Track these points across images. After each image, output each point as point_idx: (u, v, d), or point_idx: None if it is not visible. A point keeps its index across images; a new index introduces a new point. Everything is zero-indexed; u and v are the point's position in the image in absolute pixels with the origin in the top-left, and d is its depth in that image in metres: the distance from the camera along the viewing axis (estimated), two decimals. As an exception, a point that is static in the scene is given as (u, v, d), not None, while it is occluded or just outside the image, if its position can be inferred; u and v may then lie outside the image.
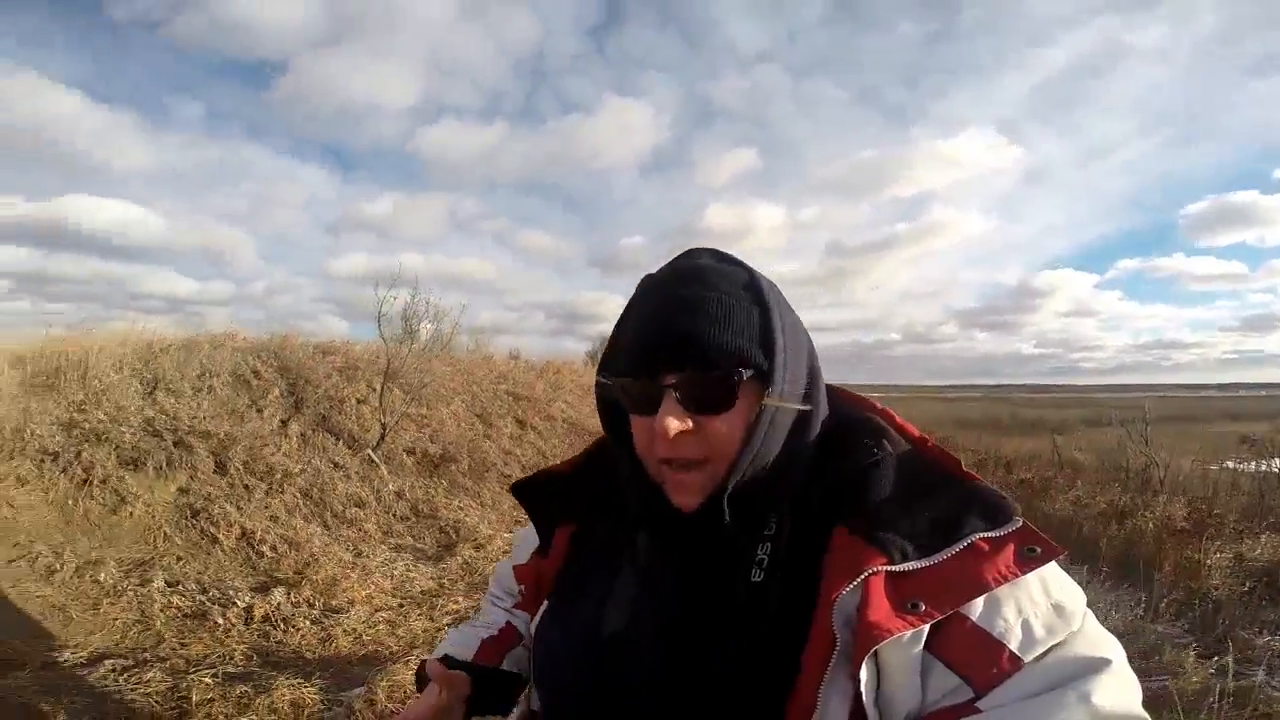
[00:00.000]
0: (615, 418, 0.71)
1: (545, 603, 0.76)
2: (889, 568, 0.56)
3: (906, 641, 0.53)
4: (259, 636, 3.47)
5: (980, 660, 0.52)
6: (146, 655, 3.12)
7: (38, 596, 3.43)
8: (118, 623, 3.42)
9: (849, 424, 0.70)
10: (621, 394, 0.66)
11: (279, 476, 4.94)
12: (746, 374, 0.61)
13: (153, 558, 3.99)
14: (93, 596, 3.54)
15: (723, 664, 0.59)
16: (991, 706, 0.51)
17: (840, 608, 0.55)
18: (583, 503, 0.79)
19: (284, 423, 5.65)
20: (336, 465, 5.46)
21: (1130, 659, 0.56)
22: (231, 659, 3.14)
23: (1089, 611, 0.57)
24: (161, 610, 3.50)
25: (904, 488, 0.62)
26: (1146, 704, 0.53)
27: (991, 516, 0.58)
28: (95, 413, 4.70)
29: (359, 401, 6.32)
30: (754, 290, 0.64)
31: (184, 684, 2.76)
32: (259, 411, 5.57)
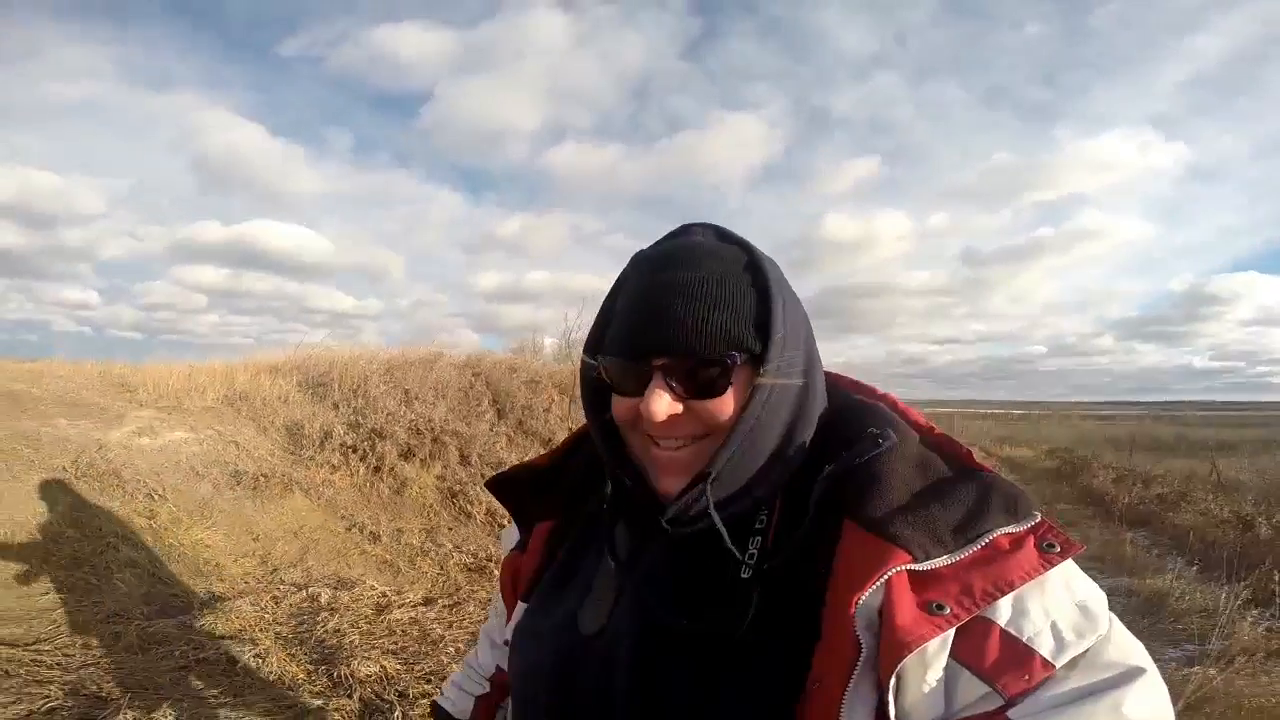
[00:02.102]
0: (597, 402, 0.67)
1: (520, 605, 0.74)
2: (912, 566, 0.52)
3: (932, 648, 0.50)
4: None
5: (1010, 667, 0.49)
6: (458, 597, 4.23)
7: (373, 555, 4.67)
8: (426, 574, 4.60)
9: (852, 411, 0.66)
10: (607, 374, 0.63)
11: (501, 466, 6.11)
12: (740, 358, 0.58)
13: (434, 526, 5.20)
14: (408, 554, 4.75)
15: (711, 666, 0.56)
16: (1023, 716, 0.48)
17: (862, 610, 0.51)
18: (562, 497, 0.76)
19: (492, 426, 6.87)
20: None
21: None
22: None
23: (1112, 614, 0.53)
24: (455, 565, 4.65)
25: (918, 479, 0.58)
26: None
27: (1011, 510, 0.55)
28: (374, 416, 6.05)
29: (545, 410, 7.49)
30: (752, 270, 0.61)
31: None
32: (478, 417, 6.82)
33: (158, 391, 6.23)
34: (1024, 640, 0.49)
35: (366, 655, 3.12)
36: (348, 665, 2.96)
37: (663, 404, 0.58)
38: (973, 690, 0.49)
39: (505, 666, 0.80)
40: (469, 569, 4.69)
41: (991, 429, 25.75)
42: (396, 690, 2.91)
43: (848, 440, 0.61)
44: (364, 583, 4.03)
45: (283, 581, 3.95)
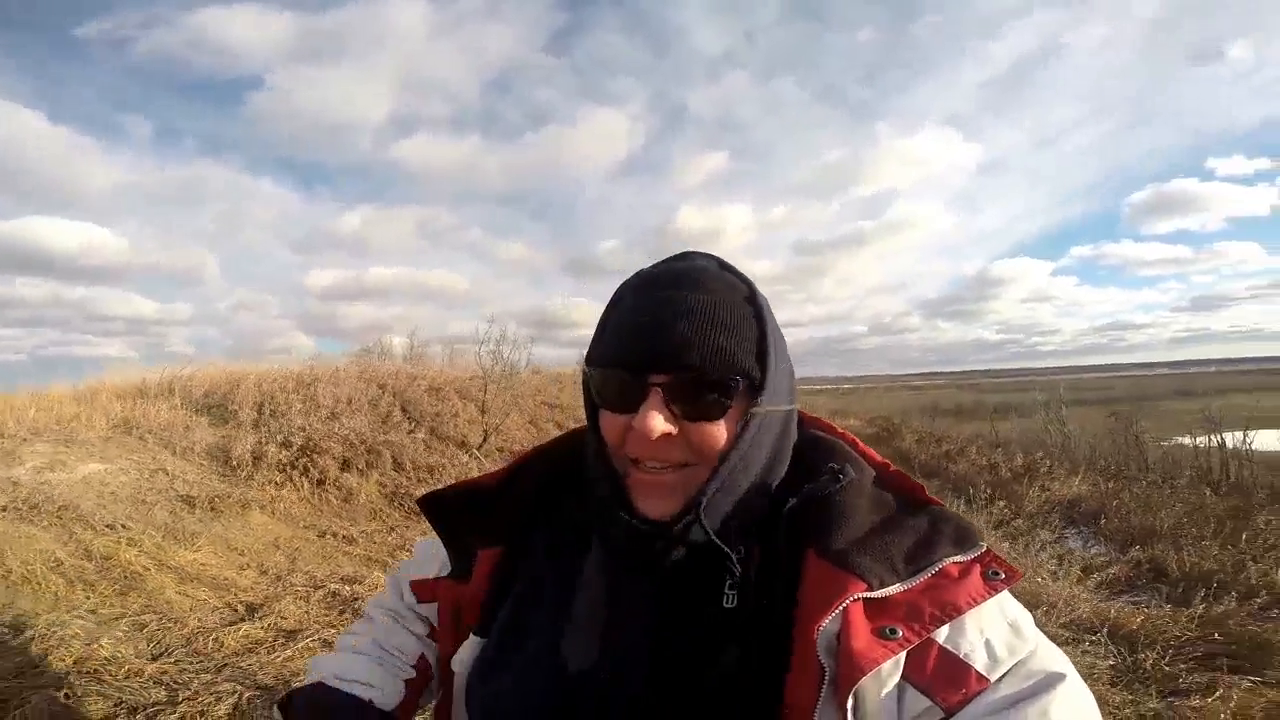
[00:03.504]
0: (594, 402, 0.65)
1: (472, 637, 0.70)
2: (867, 594, 0.55)
3: (886, 669, 0.53)
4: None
5: (949, 681, 0.53)
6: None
7: (355, 555, 5.17)
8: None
9: (814, 446, 0.69)
10: (600, 384, 0.62)
11: (433, 470, 6.73)
12: (741, 384, 0.59)
13: (393, 526, 5.76)
14: (387, 550, 5.31)
15: (713, 696, 0.57)
16: None
17: (823, 636, 0.54)
18: (510, 523, 0.72)
19: (410, 434, 7.37)
20: (460, 462, 7.28)
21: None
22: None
23: (1039, 631, 0.57)
24: (431, 553, 5.34)
25: (874, 512, 0.62)
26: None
27: (960, 541, 0.59)
28: (299, 433, 6.29)
29: (453, 415, 8.10)
30: (753, 303, 0.63)
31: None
32: (395, 426, 7.27)
33: (25, 425, 5.84)
34: (960, 656, 0.53)
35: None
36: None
37: (658, 423, 0.57)
38: (917, 704, 0.53)
39: (429, 659, 0.80)
40: (439, 558, 5.41)
41: (827, 403, 27.97)
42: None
43: (809, 474, 0.64)
44: (370, 577, 4.62)
45: (295, 585, 4.39)
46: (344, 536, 5.32)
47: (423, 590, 0.82)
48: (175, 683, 2.88)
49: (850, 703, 0.52)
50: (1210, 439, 8.04)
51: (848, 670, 0.52)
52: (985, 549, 0.59)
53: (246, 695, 2.78)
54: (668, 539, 0.60)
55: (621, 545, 0.63)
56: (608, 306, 0.66)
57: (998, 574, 0.57)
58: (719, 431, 0.59)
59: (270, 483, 5.73)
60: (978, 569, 0.57)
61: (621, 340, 0.61)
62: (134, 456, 5.72)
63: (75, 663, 2.81)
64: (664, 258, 0.68)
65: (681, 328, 0.58)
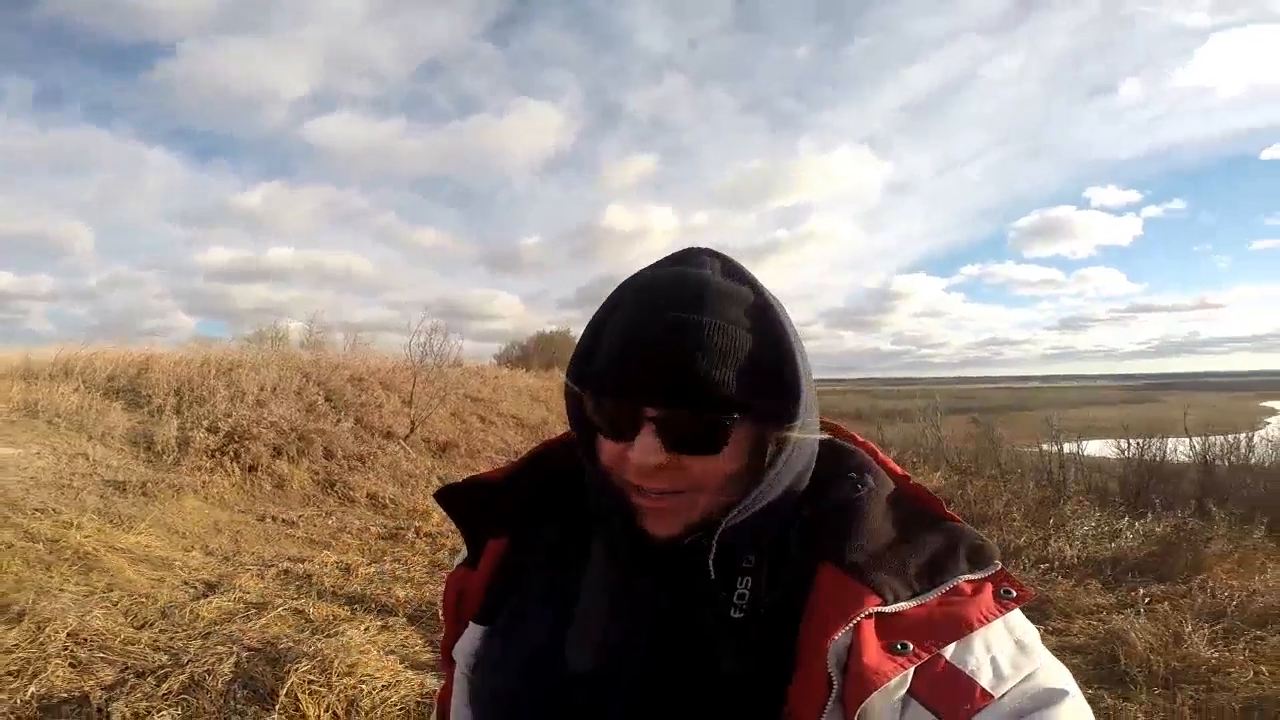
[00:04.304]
0: (587, 422, 0.63)
1: (472, 625, 0.70)
2: (880, 609, 0.54)
3: (893, 684, 0.52)
4: (432, 549, 5.75)
5: (954, 696, 0.52)
6: (394, 556, 5.30)
7: (297, 538, 5.34)
8: (352, 546, 5.47)
9: (833, 455, 0.67)
10: (594, 412, 0.61)
11: (364, 459, 6.92)
12: (737, 418, 0.56)
13: (329, 512, 5.94)
14: (327, 533, 5.52)
15: (710, 701, 0.56)
16: None
17: (834, 650, 0.53)
18: (517, 514, 0.72)
19: (337, 423, 7.46)
20: (389, 452, 7.47)
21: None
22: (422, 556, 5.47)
23: (1044, 648, 0.57)
24: (374, 536, 5.61)
25: (891, 525, 0.61)
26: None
27: (975, 559, 0.58)
28: (226, 422, 6.29)
29: (378, 406, 8.21)
30: (764, 315, 0.59)
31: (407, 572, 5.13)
32: (321, 415, 7.34)
33: None
34: (966, 672, 0.52)
35: (384, 591, 4.25)
36: (390, 595, 4.10)
37: (652, 455, 0.56)
38: (920, 718, 0.52)
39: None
40: (383, 537, 5.67)
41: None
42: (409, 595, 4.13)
43: (827, 483, 0.63)
44: (318, 556, 4.87)
45: (245, 564, 4.58)
46: (284, 520, 5.47)
47: (447, 586, 0.79)
48: (171, 648, 3.13)
49: (857, 717, 0.51)
50: (1052, 445, 9.70)
51: (857, 686, 0.52)
52: (999, 568, 0.58)
53: (244, 655, 3.09)
54: (669, 554, 0.60)
55: (624, 552, 0.63)
56: (603, 307, 0.63)
57: (1010, 593, 0.56)
58: (718, 464, 0.57)
59: (199, 468, 5.74)
60: (990, 587, 0.57)
61: (613, 364, 0.58)
62: (47, 441, 5.52)
63: (69, 635, 2.99)
64: (665, 255, 0.64)
65: (677, 357, 0.55)
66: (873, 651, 0.53)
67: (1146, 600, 4.34)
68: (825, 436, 0.66)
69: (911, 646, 0.53)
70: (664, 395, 0.55)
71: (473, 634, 0.69)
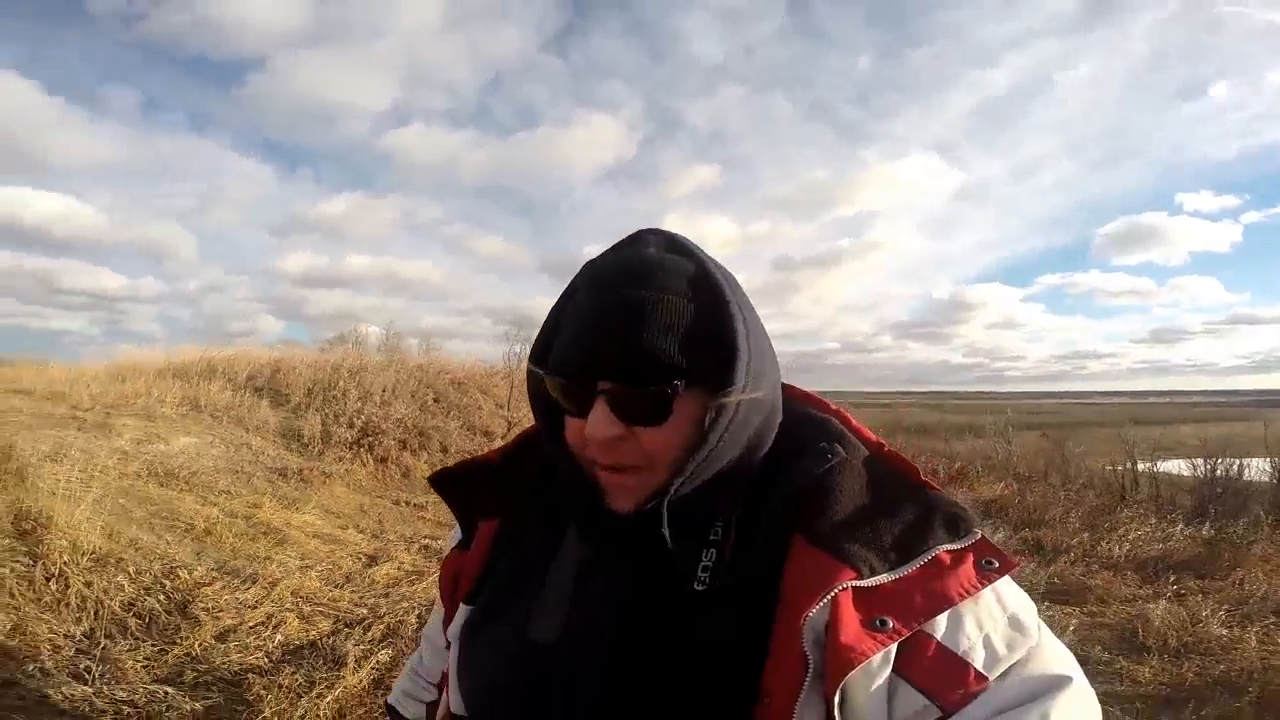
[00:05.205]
0: (548, 406, 0.64)
1: (462, 606, 0.71)
2: (857, 583, 0.53)
3: (876, 662, 0.51)
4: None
5: (947, 680, 0.51)
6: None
7: (429, 519, 5.96)
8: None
9: (803, 424, 0.67)
10: (554, 392, 0.62)
11: (472, 454, 7.56)
12: (681, 386, 0.56)
13: (450, 501, 6.57)
14: (449, 517, 6.11)
15: (674, 679, 0.55)
16: None
17: (810, 626, 0.52)
18: (511, 495, 0.73)
19: (445, 421, 8.14)
20: (489, 448, 8.09)
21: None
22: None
23: (1042, 623, 0.55)
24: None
25: (865, 495, 0.59)
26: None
27: (953, 528, 0.56)
28: (360, 418, 7.01)
29: (478, 408, 8.89)
30: (705, 285, 0.59)
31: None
32: (434, 414, 8.03)
33: (98, 401, 6.38)
34: (959, 653, 0.51)
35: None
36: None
37: (604, 429, 0.56)
38: (912, 702, 0.51)
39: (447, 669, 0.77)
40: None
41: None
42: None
43: (797, 453, 0.62)
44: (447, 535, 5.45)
45: (393, 540, 5.19)
46: (414, 504, 6.12)
47: (443, 568, 0.80)
48: (366, 604, 3.71)
49: (838, 697, 0.50)
50: (1125, 462, 9.56)
51: (836, 663, 0.50)
52: (979, 536, 0.56)
53: (419, 611, 3.64)
54: (635, 530, 0.59)
55: (591, 528, 0.63)
56: (563, 294, 0.65)
57: (992, 563, 0.54)
58: (666, 434, 0.57)
59: (340, 459, 6.46)
60: (971, 557, 0.55)
61: (570, 345, 0.59)
62: (214, 432, 6.33)
63: (293, 593, 3.60)
64: (617, 241, 0.66)
65: (620, 332, 0.56)
66: (851, 628, 0.51)
67: (1177, 589, 4.60)
68: (757, 395, 0.60)
69: (891, 623, 0.52)
70: (613, 369, 0.56)
71: (462, 614, 0.70)
